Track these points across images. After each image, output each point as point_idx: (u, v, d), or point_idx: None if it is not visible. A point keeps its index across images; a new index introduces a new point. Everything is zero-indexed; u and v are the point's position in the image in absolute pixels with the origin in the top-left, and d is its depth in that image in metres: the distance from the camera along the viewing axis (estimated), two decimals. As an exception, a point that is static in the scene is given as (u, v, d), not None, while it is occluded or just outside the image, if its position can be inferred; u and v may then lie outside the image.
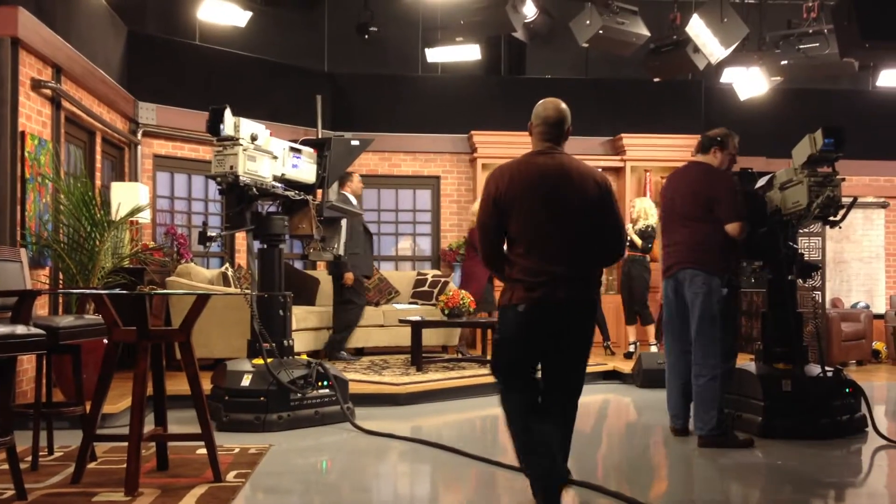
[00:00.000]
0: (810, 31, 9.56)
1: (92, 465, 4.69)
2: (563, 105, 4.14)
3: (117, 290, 5.13)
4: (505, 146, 11.29)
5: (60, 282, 7.27)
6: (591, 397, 8.29)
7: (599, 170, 4.19)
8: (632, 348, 9.95)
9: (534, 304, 3.82)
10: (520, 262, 3.89)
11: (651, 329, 10.04)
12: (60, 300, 7.37)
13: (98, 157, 8.83)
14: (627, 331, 10.20)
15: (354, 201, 9.21)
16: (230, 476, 4.54)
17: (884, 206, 12.31)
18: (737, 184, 5.79)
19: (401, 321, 9.31)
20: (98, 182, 8.65)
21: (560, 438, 3.94)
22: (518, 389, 3.93)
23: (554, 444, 3.86)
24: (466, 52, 10.35)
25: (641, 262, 10.04)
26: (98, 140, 8.82)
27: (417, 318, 8.91)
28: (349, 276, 9.09)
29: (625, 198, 11.05)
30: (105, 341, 4.88)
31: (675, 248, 5.77)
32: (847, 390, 6.06)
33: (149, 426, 4.59)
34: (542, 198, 3.88)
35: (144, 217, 8.48)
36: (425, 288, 10.59)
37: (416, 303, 10.49)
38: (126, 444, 4.22)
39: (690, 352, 5.72)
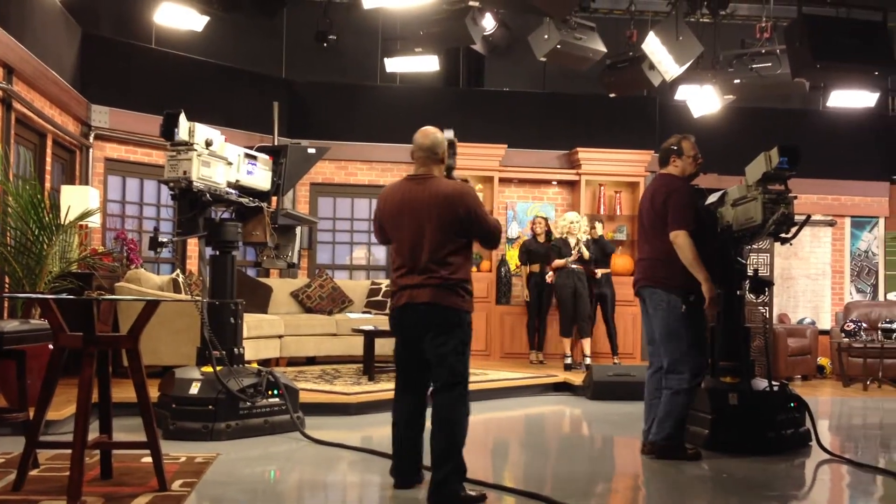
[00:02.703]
0: (763, 50, 9.74)
1: (34, 473, 4.61)
2: (435, 133, 4.60)
3: (64, 295, 5.06)
4: (461, 157, 11.25)
5: (6, 286, 7.15)
6: (541, 408, 8.34)
7: (466, 185, 4.58)
8: (588, 360, 9.98)
9: (393, 308, 4.55)
10: (392, 275, 4.60)
11: (587, 342, 10.14)
12: (6, 304, 7.24)
13: (48, 159, 8.71)
14: (565, 343, 10.28)
15: None
16: (175, 485, 4.49)
17: (831, 224, 12.55)
18: (689, 193, 5.74)
19: (354, 330, 9.28)
20: (48, 185, 8.53)
21: (433, 435, 4.42)
22: (399, 389, 4.64)
23: (411, 452, 4.57)
24: (425, 63, 10.37)
25: (584, 275, 10.15)
26: (49, 142, 8.70)
27: (370, 327, 8.89)
28: None
29: (580, 211, 11.12)
30: (50, 347, 4.80)
31: (641, 263, 5.86)
32: (792, 405, 6.15)
33: (94, 433, 4.52)
34: (402, 219, 4.46)
35: (94, 221, 8.37)
36: (379, 297, 10.58)
37: (369, 312, 10.47)
38: (70, 451, 4.15)
39: (661, 368, 5.75)
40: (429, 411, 4.60)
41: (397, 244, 4.52)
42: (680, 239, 5.52)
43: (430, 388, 4.56)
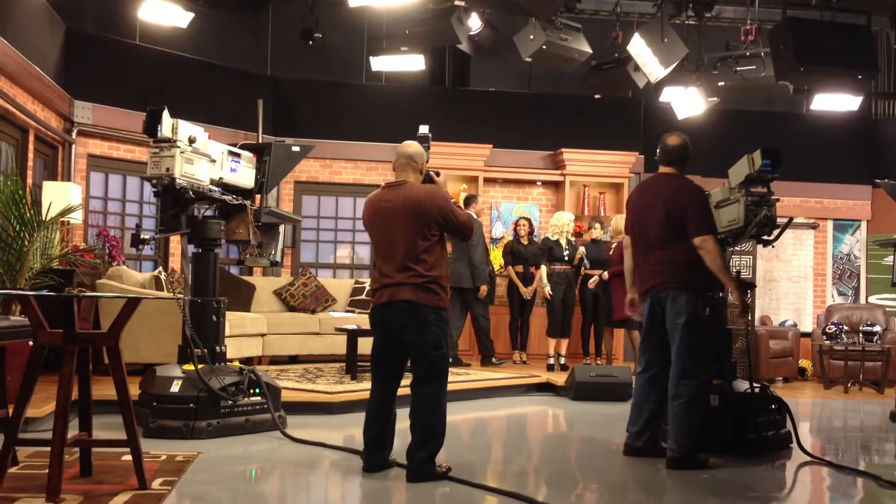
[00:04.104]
0: (748, 53, 9.80)
1: (13, 470, 4.57)
2: (418, 146, 5.01)
3: (44, 292, 5.02)
4: (447, 157, 11.34)
5: (-14, 281, 7.09)
6: (524, 408, 8.35)
7: (436, 188, 4.92)
8: (563, 360, 10.11)
9: (374, 306, 4.93)
10: (374, 275, 5.00)
11: (565, 343, 10.30)
12: (-14, 300, 7.18)
13: (30, 155, 8.64)
14: (550, 343, 10.37)
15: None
16: (156, 483, 4.46)
17: (813, 227, 12.63)
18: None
19: (337, 329, 9.26)
20: (29, 181, 8.47)
21: (413, 424, 4.85)
22: (375, 380, 5.03)
23: (380, 438, 4.97)
24: (411, 62, 10.36)
25: (573, 276, 10.29)
26: (31, 138, 8.63)
27: (354, 326, 8.87)
28: (484, 289, 10.10)
29: (565, 211, 11.14)
30: (31, 343, 4.76)
31: (655, 267, 5.56)
32: (773, 406, 6.18)
33: (73, 431, 4.49)
34: (380, 224, 4.87)
35: (76, 218, 8.31)
36: (363, 296, 10.56)
37: (352, 311, 10.45)
38: (49, 449, 4.12)
39: (658, 374, 5.64)
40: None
41: (377, 246, 4.94)
42: (709, 244, 5.42)
43: (411, 379, 4.93)
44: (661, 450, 5.61)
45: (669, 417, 5.51)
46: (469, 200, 10.42)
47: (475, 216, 10.16)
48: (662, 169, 5.77)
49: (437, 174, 5.06)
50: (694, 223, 5.46)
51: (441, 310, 4.82)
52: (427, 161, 5.06)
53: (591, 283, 10.15)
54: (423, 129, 5.29)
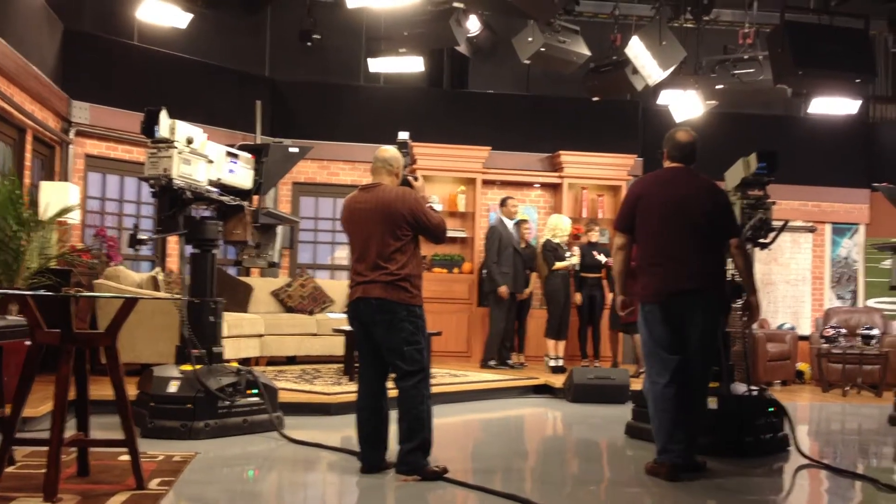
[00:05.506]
0: (745, 56, 9.81)
1: (10, 470, 4.56)
2: (395, 151, 5.18)
3: (42, 292, 5.01)
4: (445, 158, 11.35)
5: (-16, 281, 7.07)
6: (521, 410, 8.35)
7: (408, 189, 5.08)
8: (561, 362, 10.16)
9: (349, 301, 5.08)
10: (350, 273, 5.18)
11: (562, 344, 10.37)
12: (-17, 300, 7.16)
13: (28, 155, 8.63)
14: (549, 344, 10.38)
15: (509, 224, 10.63)
16: (153, 483, 4.46)
17: (811, 230, 12.62)
18: None
19: (335, 330, 9.25)
20: (27, 181, 8.45)
21: (399, 419, 4.91)
22: (360, 377, 5.12)
23: (373, 435, 5.02)
24: (409, 64, 10.34)
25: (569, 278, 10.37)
26: (28, 138, 8.62)
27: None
28: (502, 290, 10.24)
29: (562, 214, 11.14)
30: (28, 343, 4.75)
31: (696, 268, 5.17)
32: (771, 409, 6.18)
33: (71, 431, 4.48)
34: (355, 224, 5.03)
35: (74, 218, 8.29)
36: (360, 298, 10.54)
37: (350, 313, 10.43)
38: (46, 448, 4.11)
39: (679, 382, 5.30)
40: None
41: (353, 246, 5.09)
42: (743, 247, 5.42)
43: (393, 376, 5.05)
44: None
45: (691, 419, 5.31)
46: (502, 202, 10.87)
47: (507, 221, 10.56)
48: (672, 164, 5.39)
49: (416, 179, 5.23)
50: (734, 224, 5.43)
51: (413, 307, 4.92)
52: (408, 166, 5.24)
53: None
54: (403, 136, 5.43)
